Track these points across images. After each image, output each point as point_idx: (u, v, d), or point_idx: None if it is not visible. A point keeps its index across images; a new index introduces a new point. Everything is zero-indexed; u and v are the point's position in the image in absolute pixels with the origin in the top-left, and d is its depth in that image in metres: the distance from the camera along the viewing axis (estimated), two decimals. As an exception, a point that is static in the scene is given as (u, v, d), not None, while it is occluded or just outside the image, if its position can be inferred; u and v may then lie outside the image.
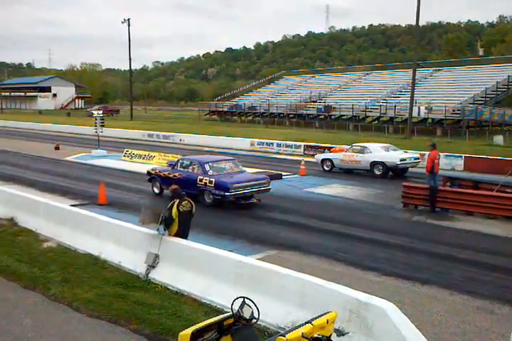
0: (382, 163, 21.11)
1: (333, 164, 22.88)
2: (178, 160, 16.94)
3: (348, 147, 23.11)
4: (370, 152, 21.54)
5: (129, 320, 7.24)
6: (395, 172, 21.56)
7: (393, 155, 21.21)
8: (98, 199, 15.46)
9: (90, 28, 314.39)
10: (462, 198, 14.24)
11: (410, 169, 21.82)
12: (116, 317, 7.32)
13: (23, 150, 30.31)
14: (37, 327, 7.10)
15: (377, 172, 21.29)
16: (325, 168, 23.21)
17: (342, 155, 22.64)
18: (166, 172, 16.45)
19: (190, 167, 15.87)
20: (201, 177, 15.20)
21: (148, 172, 17.31)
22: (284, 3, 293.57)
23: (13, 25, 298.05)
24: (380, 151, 21.54)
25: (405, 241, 11.88)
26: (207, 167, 15.43)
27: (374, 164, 21.36)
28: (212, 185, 14.92)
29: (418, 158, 21.84)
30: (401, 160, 20.95)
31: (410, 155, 22.03)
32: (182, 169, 16.08)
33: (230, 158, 17.57)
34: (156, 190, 17.02)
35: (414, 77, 39.30)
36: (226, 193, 14.65)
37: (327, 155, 23.96)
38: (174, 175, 15.94)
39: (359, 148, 22.08)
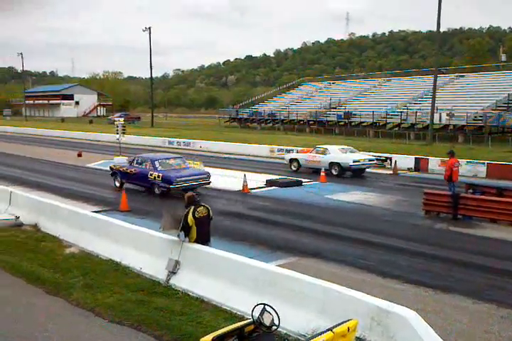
0: (338, 164, 22.79)
1: (299, 164, 24.51)
2: (134, 157, 19.24)
3: (313, 148, 24.78)
4: (330, 153, 23.35)
5: (150, 326, 7.26)
6: (353, 173, 23.12)
7: (348, 157, 22.85)
8: (120, 205, 15.60)
9: (112, 36, 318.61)
10: (485, 205, 14.04)
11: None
12: (138, 323, 7.36)
13: (47, 157, 30.74)
14: (60, 333, 7.16)
15: (334, 172, 23.01)
16: (292, 167, 24.93)
17: (307, 155, 24.49)
18: (124, 168, 18.92)
19: (144, 163, 18.26)
20: (151, 172, 17.67)
21: (111, 168, 19.70)
22: (304, 10, 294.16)
23: (37, 34, 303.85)
24: (337, 153, 23.33)
25: (427, 248, 11.74)
26: (157, 163, 17.88)
27: (332, 164, 23.03)
28: (160, 179, 17.34)
29: (373, 160, 23.63)
30: (354, 162, 22.58)
31: (365, 157, 23.56)
32: (137, 165, 18.46)
33: (179, 156, 20.24)
34: (117, 184, 19.36)
35: (435, 83, 39.01)
36: (171, 186, 17.07)
37: (294, 155, 25.63)
38: (131, 171, 18.50)
39: (321, 149, 23.95)
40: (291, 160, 25.15)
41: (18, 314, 7.80)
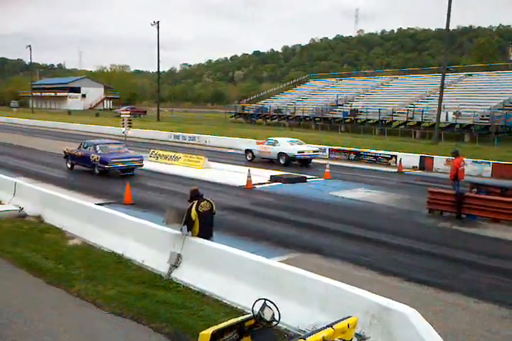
0: (285, 154, 25.07)
1: (253, 154, 26.87)
2: (81, 143, 22.50)
3: (265, 140, 27.44)
4: (279, 145, 25.71)
5: (151, 318, 7.29)
6: (300, 162, 25.63)
7: (294, 148, 25.22)
8: (124, 198, 15.64)
9: (120, 30, 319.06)
10: (489, 205, 13.97)
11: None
12: (139, 316, 7.38)
13: (52, 149, 30.77)
14: (60, 323, 7.19)
15: (282, 162, 25.46)
16: (248, 157, 27.20)
17: (260, 146, 27.15)
18: (74, 152, 22.29)
19: (88, 147, 21.50)
20: (93, 155, 20.83)
21: (64, 152, 22.95)
22: (313, 6, 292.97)
23: (46, 27, 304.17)
24: (285, 145, 25.69)
25: (430, 247, 11.72)
26: (97, 147, 21.06)
27: (280, 154, 25.37)
28: (98, 160, 20.46)
29: (317, 151, 26.43)
30: (298, 152, 25.03)
31: (309, 148, 26.11)
32: (83, 149, 21.76)
33: (119, 142, 24.22)
34: (69, 165, 22.70)
35: (443, 81, 38.85)
36: (106, 166, 20.30)
37: (249, 146, 28.17)
38: (78, 154, 21.83)
39: (272, 141, 26.40)
40: (247, 151, 27.51)
41: (18, 304, 7.84)
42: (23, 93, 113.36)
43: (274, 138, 26.89)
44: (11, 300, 7.99)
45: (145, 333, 6.93)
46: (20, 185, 14.71)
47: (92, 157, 20.80)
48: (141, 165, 21.39)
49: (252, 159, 26.90)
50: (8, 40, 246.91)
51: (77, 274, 9.01)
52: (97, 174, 20.99)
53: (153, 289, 8.38)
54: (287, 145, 25.68)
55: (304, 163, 25.95)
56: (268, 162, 26.18)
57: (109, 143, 22.40)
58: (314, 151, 26.15)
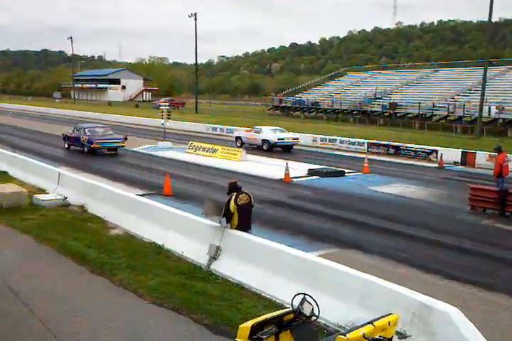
0: (268, 141, 27.66)
1: (242, 141, 29.56)
2: (75, 126, 26.90)
3: (252, 128, 30.23)
4: (263, 132, 28.46)
5: (190, 309, 7.38)
6: (281, 148, 28.33)
7: (275, 136, 28.02)
8: (164, 189, 15.84)
9: (159, 22, 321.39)
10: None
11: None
12: (179, 306, 7.48)
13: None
14: (104, 312, 7.36)
15: (265, 148, 28.09)
16: (237, 144, 29.71)
17: (247, 134, 29.80)
18: (69, 134, 26.71)
19: (80, 130, 25.78)
20: (82, 136, 25.11)
21: (62, 134, 27.46)
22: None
23: (87, 19, 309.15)
24: (268, 132, 28.51)
25: (471, 244, 11.49)
26: (86, 130, 25.47)
27: (263, 141, 28.05)
28: (86, 141, 24.71)
29: (297, 138, 28.95)
30: (279, 139, 27.83)
31: (289, 135, 28.81)
32: (76, 131, 26.12)
33: (105, 126, 28.69)
34: (66, 145, 26.99)
35: (485, 75, 37.81)
36: (91, 145, 24.56)
37: (239, 133, 30.91)
38: (72, 136, 26.18)
39: (258, 129, 29.20)
40: (237, 138, 30.24)
41: (65, 292, 8.06)
42: (65, 84, 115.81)
43: (259, 127, 29.81)
44: (57, 288, 8.22)
45: (185, 324, 7.03)
46: (63, 175, 15.11)
47: (82, 138, 25.01)
48: (123, 146, 25.48)
49: (242, 145, 29.22)
50: (50, 32, 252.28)
51: (119, 263, 9.20)
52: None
53: (192, 280, 8.48)
54: (270, 132, 28.43)
55: (285, 149, 28.45)
56: (251, 147, 28.15)
57: (96, 127, 26.75)
58: (294, 138, 28.77)
